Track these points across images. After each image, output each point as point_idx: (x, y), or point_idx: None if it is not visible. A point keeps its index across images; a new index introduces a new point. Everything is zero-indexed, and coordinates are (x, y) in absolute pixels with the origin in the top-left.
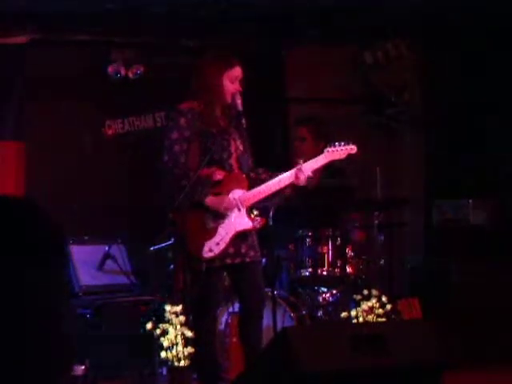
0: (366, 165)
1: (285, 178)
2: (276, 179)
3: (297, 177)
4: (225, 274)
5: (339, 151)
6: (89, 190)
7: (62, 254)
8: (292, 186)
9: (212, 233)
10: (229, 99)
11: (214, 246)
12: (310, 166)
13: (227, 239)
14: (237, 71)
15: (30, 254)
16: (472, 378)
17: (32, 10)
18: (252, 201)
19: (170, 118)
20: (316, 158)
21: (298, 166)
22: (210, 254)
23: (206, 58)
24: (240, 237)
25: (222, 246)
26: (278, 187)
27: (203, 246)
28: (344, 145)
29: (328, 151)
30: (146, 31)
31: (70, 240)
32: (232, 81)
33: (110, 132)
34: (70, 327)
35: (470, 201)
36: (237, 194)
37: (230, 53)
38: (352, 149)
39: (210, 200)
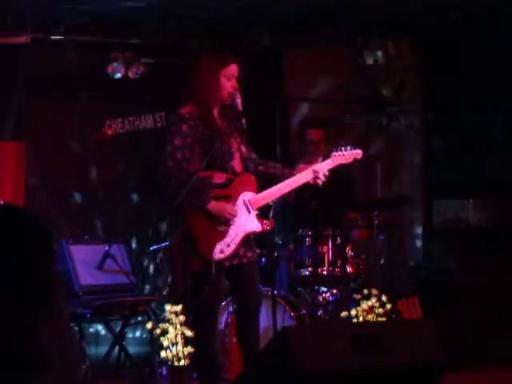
0: (367, 165)
1: (300, 178)
2: (289, 181)
3: (316, 176)
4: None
5: (346, 155)
6: (89, 190)
7: (50, 252)
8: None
9: (223, 234)
10: (226, 98)
11: (225, 248)
12: (325, 166)
13: (237, 241)
14: (232, 69)
15: (21, 252)
16: (472, 378)
17: (32, 10)
18: (262, 203)
19: (170, 121)
20: (324, 162)
21: (315, 166)
22: (221, 256)
23: (201, 59)
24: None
25: (233, 247)
26: (290, 188)
27: (214, 247)
28: (350, 149)
29: (335, 155)
30: (146, 31)
31: (69, 240)
32: (228, 78)
33: (109, 132)
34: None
35: (470, 201)
36: (247, 196)
37: (226, 51)
38: (358, 153)
39: (211, 206)
